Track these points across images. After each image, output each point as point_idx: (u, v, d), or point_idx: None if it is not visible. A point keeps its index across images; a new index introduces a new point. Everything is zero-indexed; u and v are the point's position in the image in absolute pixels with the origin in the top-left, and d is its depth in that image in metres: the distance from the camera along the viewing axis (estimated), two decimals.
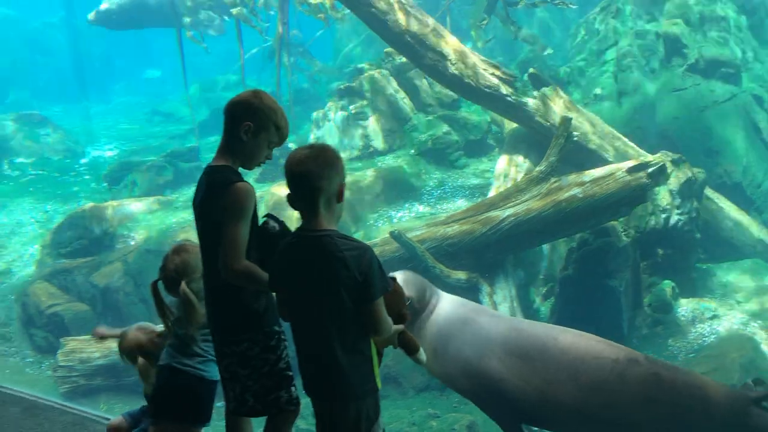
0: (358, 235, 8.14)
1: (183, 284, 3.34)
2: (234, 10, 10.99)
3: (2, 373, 7.74)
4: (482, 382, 4.58)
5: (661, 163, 7.62)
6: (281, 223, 3.11)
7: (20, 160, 12.21)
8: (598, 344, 4.75)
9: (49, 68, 18.64)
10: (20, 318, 8.12)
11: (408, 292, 4.57)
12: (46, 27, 19.59)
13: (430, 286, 4.92)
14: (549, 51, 11.26)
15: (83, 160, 12.81)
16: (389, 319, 2.86)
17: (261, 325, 3.10)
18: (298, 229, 2.83)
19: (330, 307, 2.76)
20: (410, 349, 3.09)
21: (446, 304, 4.87)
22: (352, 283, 2.71)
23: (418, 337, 4.53)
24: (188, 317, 3.36)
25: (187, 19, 11.27)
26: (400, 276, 4.75)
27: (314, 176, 2.75)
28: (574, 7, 10.01)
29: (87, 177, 11.83)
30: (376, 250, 7.74)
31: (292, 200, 2.84)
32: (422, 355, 3.10)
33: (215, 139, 13.70)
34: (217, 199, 3.02)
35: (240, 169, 3.18)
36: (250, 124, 3.01)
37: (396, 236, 7.27)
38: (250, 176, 9.90)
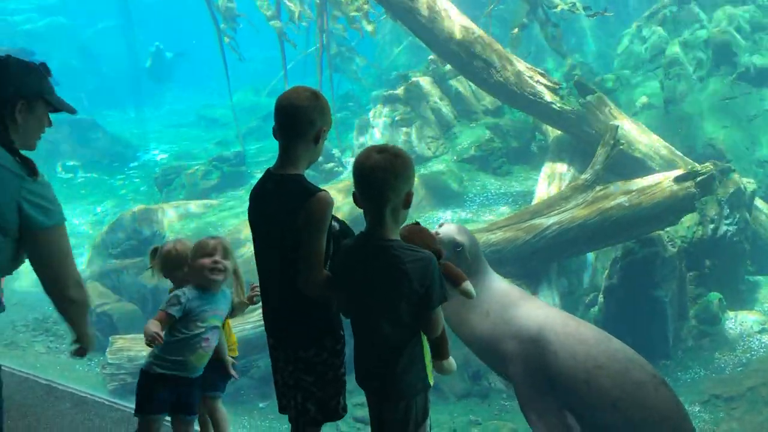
0: None
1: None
2: (272, 23, 11.13)
3: (54, 369, 7.93)
4: (535, 350, 4.71)
5: (710, 173, 7.49)
6: (342, 223, 3.10)
7: (72, 162, 12.55)
8: (640, 357, 5.00)
9: (103, 74, 19.15)
10: None
11: (460, 238, 4.89)
12: (99, 34, 20.15)
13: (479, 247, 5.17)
14: (570, 63, 11.13)
15: (134, 164, 13.11)
16: (442, 321, 2.87)
17: (330, 329, 3.09)
18: (362, 234, 2.82)
19: (388, 313, 2.79)
20: (456, 280, 3.07)
21: (500, 280, 5.13)
22: (413, 295, 2.73)
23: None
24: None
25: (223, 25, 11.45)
26: (450, 226, 4.97)
27: (384, 185, 2.71)
28: (610, 14, 9.91)
29: (137, 180, 12.09)
30: None
31: (358, 200, 2.81)
32: (469, 286, 3.08)
33: (260, 145, 14.00)
34: (298, 210, 2.93)
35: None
36: (324, 128, 2.99)
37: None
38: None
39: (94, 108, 16.56)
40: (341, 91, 14.56)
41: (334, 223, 3.07)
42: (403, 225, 2.91)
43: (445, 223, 5.03)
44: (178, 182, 10.33)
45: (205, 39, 14.33)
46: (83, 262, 9.32)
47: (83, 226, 10.38)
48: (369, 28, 10.08)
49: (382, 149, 2.81)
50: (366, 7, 9.88)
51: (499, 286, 5.02)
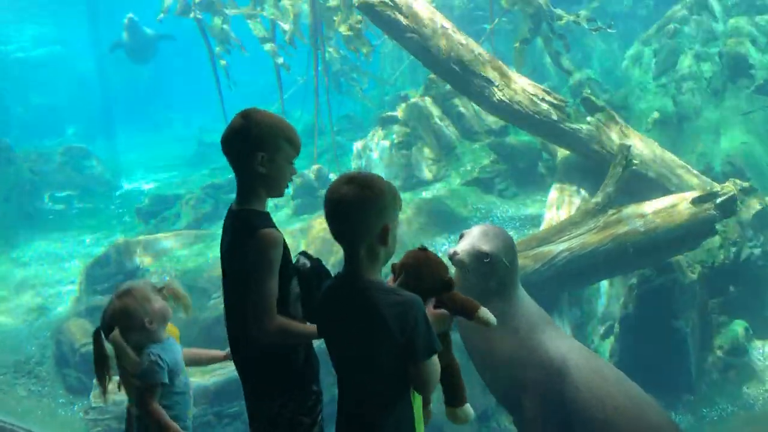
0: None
1: (116, 332, 3.09)
2: (266, 46, 10.78)
3: (34, 415, 7.54)
4: (558, 382, 4.39)
5: (731, 193, 6.99)
6: (315, 261, 2.88)
7: (67, 192, 12.24)
8: (656, 403, 4.83)
9: (100, 101, 18.98)
10: (54, 356, 7.92)
11: (487, 247, 4.27)
12: (95, 61, 20.00)
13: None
14: (579, 80, 10.69)
15: (121, 192, 12.77)
16: (437, 377, 2.49)
17: (297, 383, 2.82)
18: (338, 275, 2.61)
19: (367, 366, 2.47)
20: (469, 311, 2.66)
21: (529, 299, 4.70)
22: (392, 344, 2.39)
23: (506, 305, 4.31)
24: (122, 372, 3.10)
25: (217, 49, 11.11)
26: (471, 236, 4.36)
27: (353, 221, 2.48)
28: (613, 31, 9.52)
29: (120, 210, 11.75)
30: None
31: (334, 236, 2.59)
32: (487, 313, 2.67)
33: None
34: (241, 248, 2.75)
35: (270, 205, 2.97)
36: (263, 154, 2.75)
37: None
38: (284, 210, 9.66)
39: (89, 136, 16.37)
40: (343, 112, 14.18)
41: (304, 260, 2.86)
42: (409, 251, 2.73)
43: (466, 232, 4.44)
44: (172, 212, 9.95)
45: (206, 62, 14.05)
46: (70, 297, 8.93)
47: (73, 259, 10.00)
48: (364, 50, 9.69)
49: (351, 179, 2.55)
50: (359, 26, 9.50)
51: (529, 303, 4.63)
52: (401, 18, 7.53)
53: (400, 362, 2.43)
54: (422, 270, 2.68)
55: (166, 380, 3.13)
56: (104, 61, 18.41)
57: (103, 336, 3.27)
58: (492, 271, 4.31)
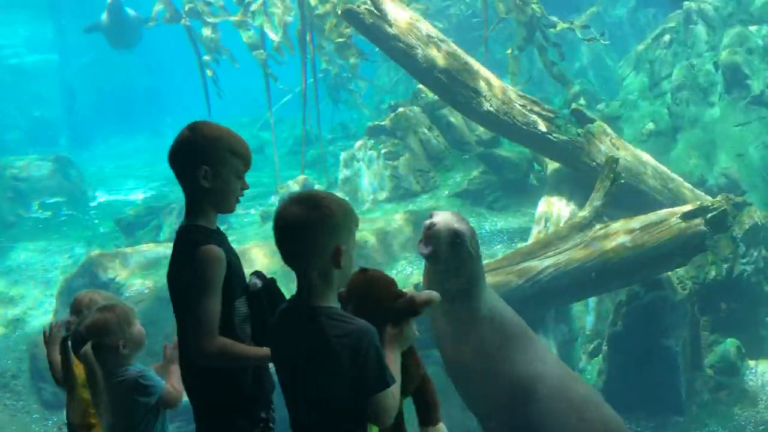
0: None
1: (87, 345, 2.96)
2: (255, 53, 10.64)
3: (9, 430, 7.38)
4: (524, 404, 4.12)
5: (722, 208, 6.81)
6: (268, 281, 2.75)
7: (55, 199, 12.10)
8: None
9: (92, 107, 18.89)
10: (30, 370, 7.77)
11: (460, 225, 4.04)
12: (87, 66, 19.90)
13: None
14: (574, 90, 10.52)
15: (103, 202, 12.61)
16: (392, 411, 2.32)
17: (243, 409, 2.66)
18: (290, 299, 2.47)
19: (316, 400, 2.32)
20: (412, 306, 2.50)
21: (499, 300, 4.37)
22: (342, 376, 2.23)
23: (474, 304, 4.05)
24: (92, 391, 2.99)
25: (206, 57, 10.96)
26: (444, 215, 4.09)
27: (302, 245, 2.33)
28: (606, 41, 9.37)
29: (100, 222, 11.61)
30: None
31: (284, 260, 2.44)
32: (423, 295, 2.53)
33: (248, 178, 13.35)
34: (181, 266, 2.69)
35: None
36: (206, 168, 2.63)
37: (420, 289, 6.61)
38: (269, 223, 9.47)
39: (80, 144, 16.27)
40: (336, 120, 14.02)
41: (255, 280, 2.73)
42: (351, 277, 2.53)
43: (435, 213, 4.17)
44: (155, 222, 9.79)
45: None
46: (50, 310, 8.77)
47: (55, 270, 9.85)
48: (352, 59, 9.54)
49: (298, 200, 2.39)
50: (347, 31, 9.34)
51: (501, 307, 4.34)
52: (386, 26, 7.38)
53: (351, 395, 2.28)
54: (369, 292, 2.53)
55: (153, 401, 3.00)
56: (97, 67, 18.35)
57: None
58: (459, 261, 4.03)
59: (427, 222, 4.05)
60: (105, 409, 3.04)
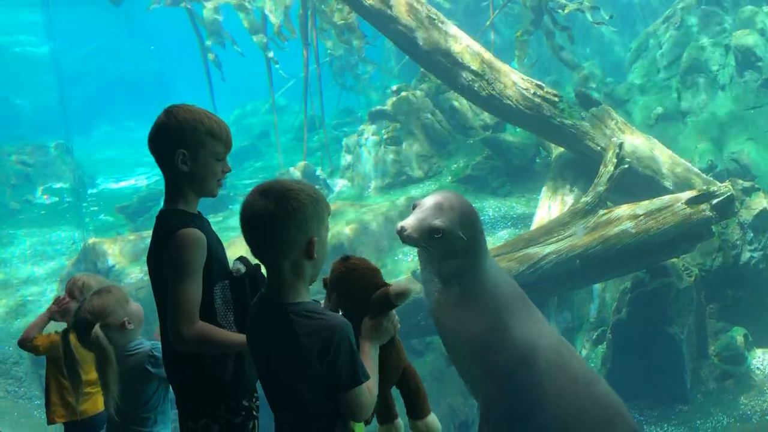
0: (384, 272, 7.44)
1: (96, 327, 2.97)
2: (255, 37, 10.49)
3: (10, 417, 7.39)
4: (521, 375, 4.00)
5: (729, 193, 6.62)
6: (252, 267, 2.68)
7: (59, 185, 12.10)
8: (624, 407, 4.26)
9: (97, 94, 18.87)
10: (31, 357, 7.74)
11: (441, 221, 3.84)
12: (91, 53, 19.87)
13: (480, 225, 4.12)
14: (583, 73, 10.29)
15: (108, 189, 12.58)
16: (368, 407, 2.29)
17: (224, 397, 2.59)
18: (261, 294, 2.38)
19: (289, 396, 2.26)
20: (386, 300, 2.43)
21: (502, 272, 4.24)
22: (314, 375, 2.17)
23: (471, 282, 3.91)
24: (102, 375, 2.95)
25: (208, 42, 10.83)
26: (424, 208, 3.91)
27: (270, 239, 2.24)
28: (614, 29, 9.13)
29: (103, 208, 11.57)
30: None
31: (252, 254, 2.36)
32: (396, 288, 2.44)
33: (247, 166, 13.31)
34: (159, 251, 2.61)
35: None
36: (183, 151, 2.57)
37: (418, 277, 6.51)
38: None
39: (87, 130, 16.24)
40: (342, 105, 13.88)
41: (239, 265, 2.68)
42: (333, 265, 2.50)
43: (418, 203, 3.97)
44: (157, 209, 9.69)
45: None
46: (52, 297, 8.76)
47: (60, 257, 9.84)
48: (356, 42, 9.37)
49: (264, 192, 2.28)
50: (351, 16, 9.18)
51: (500, 280, 4.17)
52: (384, 8, 7.24)
53: (324, 392, 2.23)
54: (351, 283, 2.46)
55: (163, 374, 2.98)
56: (101, 54, 18.27)
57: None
58: (449, 247, 3.88)
59: (398, 225, 3.93)
60: (115, 386, 3.03)
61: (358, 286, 2.45)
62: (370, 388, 2.27)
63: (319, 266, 2.35)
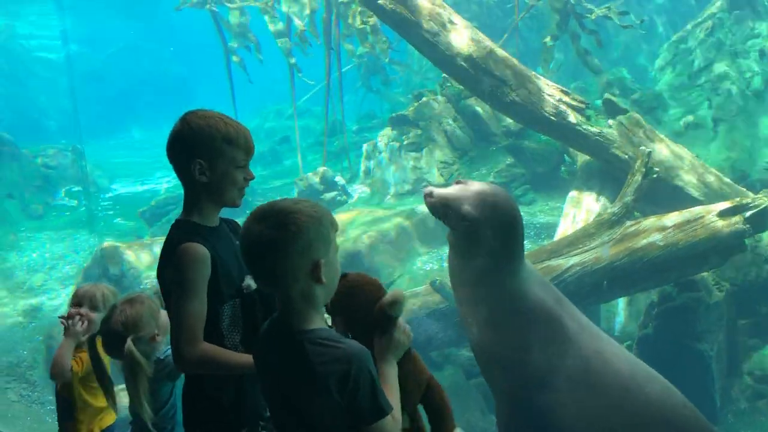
0: (401, 282, 7.27)
1: (129, 342, 2.86)
2: (280, 42, 10.40)
3: (23, 421, 7.33)
4: (536, 397, 3.75)
5: (763, 205, 6.35)
6: None
7: (77, 188, 12.14)
8: (685, 409, 4.06)
9: (120, 97, 18.99)
10: (45, 361, 7.71)
11: (477, 212, 3.59)
12: (112, 57, 19.98)
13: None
14: (608, 79, 10.04)
15: (122, 191, 12.58)
16: (396, 430, 2.18)
17: (226, 423, 2.48)
18: (272, 320, 2.26)
19: (306, 425, 2.15)
20: (381, 313, 2.32)
21: (536, 288, 3.88)
22: (332, 406, 2.07)
23: (498, 288, 3.65)
24: (135, 389, 2.84)
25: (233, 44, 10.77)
26: (480, 187, 3.68)
27: (273, 265, 2.12)
28: (642, 32, 8.88)
29: (112, 213, 11.55)
30: (417, 302, 6.41)
31: (257, 283, 2.35)
32: (389, 297, 2.34)
33: (268, 172, 13.22)
34: (164, 265, 2.54)
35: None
36: (200, 161, 2.45)
37: (438, 287, 6.34)
38: None
39: (108, 133, 16.29)
40: (364, 110, 13.74)
41: (249, 282, 2.53)
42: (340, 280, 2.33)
43: (464, 182, 3.73)
44: (176, 212, 9.63)
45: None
46: (67, 301, 8.73)
47: (77, 260, 9.82)
48: (381, 47, 9.22)
49: (263, 217, 2.15)
50: (372, 20, 9.04)
51: (534, 293, 3.86)
52: (406, 12, 7.08)
53: (345, 426, 2.10)
54: (354, 300, 2.34)
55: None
56: (125, 55, 18.32)
57: (96, 345, 3.13)
58: (474, 241, 3.64)
59: (428, 189, 3.77)
60: (146, 399, 2.93)
61: (363, 305, 2.33)
62: (395, 416, 2.15)
63: (330, 289, 2.23)
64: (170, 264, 2.47)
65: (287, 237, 2.09)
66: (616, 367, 3.98)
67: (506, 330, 3.81)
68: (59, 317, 3.46)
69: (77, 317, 3.34)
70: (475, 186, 3.73)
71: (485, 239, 3.70)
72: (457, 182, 3.81)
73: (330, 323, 2.40)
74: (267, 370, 2.24)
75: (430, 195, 3.73)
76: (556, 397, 3.78)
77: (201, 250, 2.45)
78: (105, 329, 3.03)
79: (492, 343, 3.81)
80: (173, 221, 2.64)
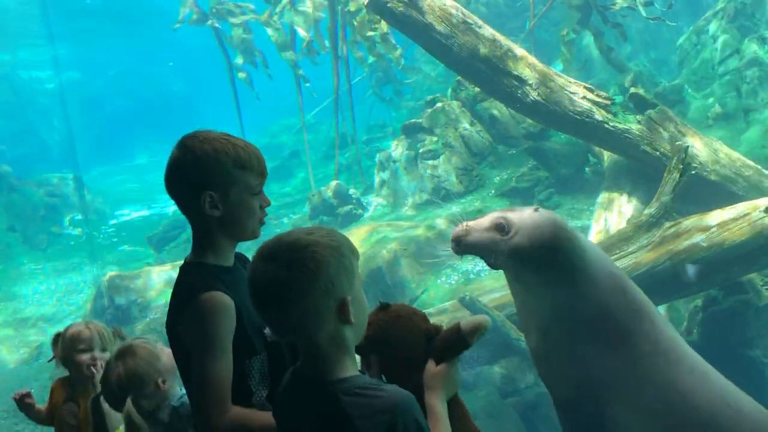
0: (425, 298, 6.86)
1: (128, 402, 2.63)
2: (284, 54, 10.08)
3: None
4: (591, 411, 3.41)
5: None
6: None
7: (80, 217, 11.88)
8: None
9: (121, 121, 18.84)
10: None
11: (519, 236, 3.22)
12: (114, 79, 19.85)
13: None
14: (632, 74, 9.61)
15: (125, 218, 12.30)
16: None
17: None
18: (293, 371, 1.95)
19: None
20: (460, 340, 2.02)
21: (607, 291, 3.38)
22: None
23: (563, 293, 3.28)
24: None
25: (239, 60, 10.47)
26: (529, 217, 3.31)
27: (290, 311, 1.80)
28: (673, 24, 8.48)
29: (115, 238, 11.27)
30: (445, 319, 5.94)
31: (273, 333, 2.01)
32: (468, 324, 2.05)
33: (278, 188, 12.89)
34: (177, 318, 2.15)
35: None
36: (210, 194, 2.11)
37: (467, 303, 5.93)
38: None
39: (111, 158, 16.10)
40: (373, 120, 13.40)
41: None
42: (369, 318, 2.01)
43: (530, 209, 3.42)
44: (185, 236, 9.33)
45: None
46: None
47: (87, 290, 9.49)
48: (394, 54, 8.88)
49: (272, 256, 1.82)
50: (380, 26, 8.70)
51: (605, 302, 3.39)
52: (416, 14, 6.72)
53: None
54: (398, 334, 2.02)
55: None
56: (125, 78, 18.11)
57: (101, 404, 2.87)
58: (515, 255, 3.27)
59: (459, 231, 3.35)
60: None
61: (408, 340, 2.01)
62: None
63: (361, 327, 1.92)
64: (187, 318, 2.09)
65: (305, 276, 1.76)
66: (695, 402, 3.43)
67: (564, 342, 3.45)
68: (86, 370, 3.14)
69: (98, 363, 3.09)
70: (509, 215, 3.38)
71: (524, 252, 3.33)
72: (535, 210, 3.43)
73: (361, 366, 2.05)
74: (292, 430, 1.91)
75: (465, 235, 3.32)
76: (609, 416, 3.38)
77: (225, 300, 2.09)
78: (106, 390, 2.78)
79: (542, 353, 3.49)
80: (182, 265, 2.25)
